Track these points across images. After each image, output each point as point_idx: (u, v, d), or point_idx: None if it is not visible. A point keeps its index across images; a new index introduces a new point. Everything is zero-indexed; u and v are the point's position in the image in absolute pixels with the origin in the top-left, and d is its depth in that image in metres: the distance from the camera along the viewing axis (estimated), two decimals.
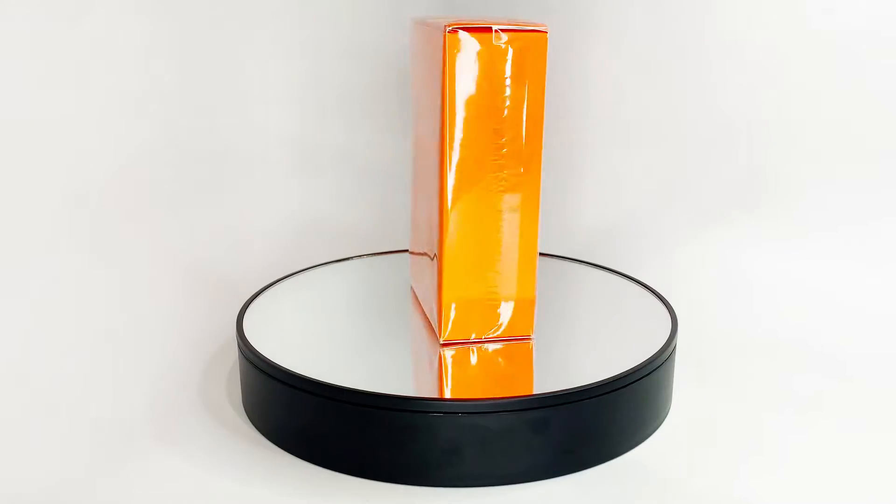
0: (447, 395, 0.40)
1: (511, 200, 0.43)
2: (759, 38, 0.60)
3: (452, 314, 0.44)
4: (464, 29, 0.40)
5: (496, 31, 0.40)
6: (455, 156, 0.42)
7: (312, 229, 0.67)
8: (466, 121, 0.41)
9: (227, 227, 0.63)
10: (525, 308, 0.44)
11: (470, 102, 0.41)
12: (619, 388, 0.40)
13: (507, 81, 0.41)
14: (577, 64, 0.66)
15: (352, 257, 0.58)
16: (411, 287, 0.52)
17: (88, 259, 0.54)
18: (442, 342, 0.44)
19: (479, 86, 0.41)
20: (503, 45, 0.41)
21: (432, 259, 0.45)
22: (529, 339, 0.45)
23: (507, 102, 0.41)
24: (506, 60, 0.41)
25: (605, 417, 0.40)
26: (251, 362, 0.43)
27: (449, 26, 0.40)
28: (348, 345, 0.46)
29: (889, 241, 0.58)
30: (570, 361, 0.44)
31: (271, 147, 0.67)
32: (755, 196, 0.62)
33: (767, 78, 0.60)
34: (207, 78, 0.62)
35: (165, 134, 0.60)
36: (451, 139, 0.41)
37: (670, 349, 0.44)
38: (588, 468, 0.40)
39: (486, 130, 0.42)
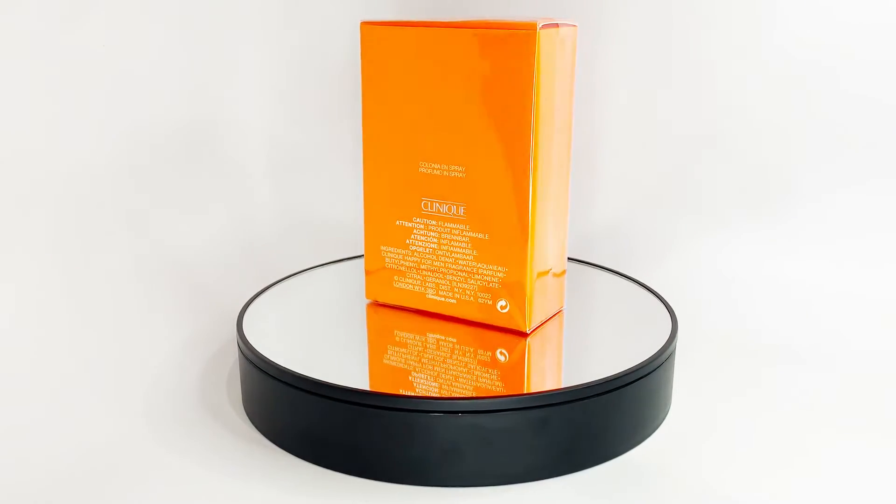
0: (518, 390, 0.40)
1: (560, 184, 0.45)
2: (760, 38, 0.60)
3: (533, 304, 0.45)
4: (549, 26, 0.42)
5: (560, 25, 0.43)
6: (538, 152, 0.43)
7: (313, 229, 0.67)
8: (546, 115, 0.43)
9: (227, 228, 0.63)
10: (561, 282, 0.48)
11: (549, 96, 0.43)
12: (619, 388, 0.40)
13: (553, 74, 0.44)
14: (577, 64, 0.66)
15: (351, 257, 0.58)
16: (370, 304, 0.50)
17: (88, 259, 0.54)
18: (529, 331, 0.46)
19: (550, 80, 0.43)
20: (560, 40, 0.43)
21: (461, 268, 0.46)
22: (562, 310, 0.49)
23: (562, 93, 0.44)
24: (563, 54, 0.43)
25: (605, 417, 0.40)
26: (251, 362, 0.43)
27: (542, 23, 0.41)
28: (348, 344, 0.46)
29: (889, 242, 0.58)
30: (571, 361, 0.44)
31: (271, 148, 0.67)
32: (755, 196, 0.62)
33: (768, 78, 0.60)
34: (197, 80, 0.62)
35: (164, 134, 0.60)
36: (538, 134, 0.43)
37: (670, 349, 0.44)
38: (588, 468, 0.40)
39: (552, 121, 0.43)
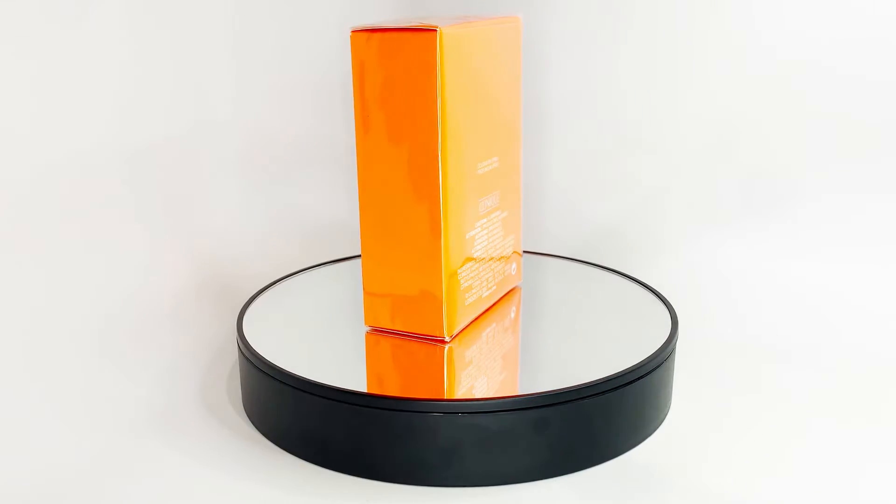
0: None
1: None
2: (759, 38, 0.60)
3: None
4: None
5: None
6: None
7: (312, 229, 0.67)
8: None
9: (227, 228, 0.63)
10: None
11: None
12: (618, 388, 0.40)
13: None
14: (578, 64, 0.66)
15: (351, 257, 0.58)
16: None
17: (89, 259, 0.54)
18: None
19: None
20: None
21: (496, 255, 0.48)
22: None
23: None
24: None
25: (605, 417, 0.40)
26: (251, 362, 0.43)
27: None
28: (348, 345, 0.46)
29: (890, 242, 0.58)
30: (570, 361, 0.44)
31: (269, 148, 0.67)
32: (755, 196, 0.62)
33: (768, 78, 0.60)
34: (186, 82, 0.62)
35: (164, 136, 0.60)
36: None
37: (670, 349, 0.44)
38: (588, 468, 0.40)
39: None
